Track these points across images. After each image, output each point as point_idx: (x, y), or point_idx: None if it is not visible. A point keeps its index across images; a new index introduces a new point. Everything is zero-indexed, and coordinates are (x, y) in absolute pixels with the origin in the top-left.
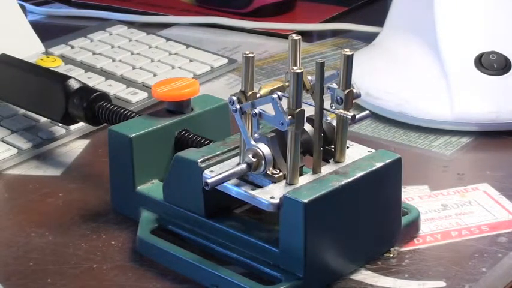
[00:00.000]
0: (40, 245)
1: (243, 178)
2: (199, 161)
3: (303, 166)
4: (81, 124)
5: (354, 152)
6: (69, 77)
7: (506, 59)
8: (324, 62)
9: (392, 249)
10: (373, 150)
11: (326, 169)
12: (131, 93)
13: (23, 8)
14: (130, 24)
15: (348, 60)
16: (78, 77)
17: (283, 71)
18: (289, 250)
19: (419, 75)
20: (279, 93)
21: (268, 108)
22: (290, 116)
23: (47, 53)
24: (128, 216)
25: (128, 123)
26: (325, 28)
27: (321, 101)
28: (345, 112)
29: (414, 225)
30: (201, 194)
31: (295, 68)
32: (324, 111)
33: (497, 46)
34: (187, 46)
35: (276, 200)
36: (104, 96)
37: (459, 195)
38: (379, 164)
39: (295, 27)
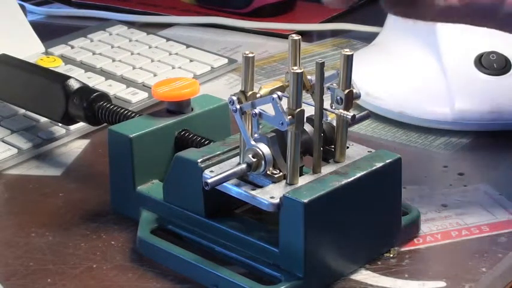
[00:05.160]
0: (40, 245)
1: (243, 178)
2: (199, 161)
3: (303, 166)
4: (81, 124)
5: (354, 152)
6: (69, 77)
7: (506, 59)
8: (323, 62)
9: (392, 249)
10: (373, 150)
11: (326, 169)
12: (131, 93)
13: (23, 8)
14: (130, 24)
15: (348, 60)
16: (78, 77)
17: (283, 71)
18: (289, 250)
19: (420, 76)
20: (279, 93)
21: (268, 108)
22: (290, 116)
23: (47, 53)
24: (128, 216)
25: (128, 123)
26: (325, 28)
27: (321, 101)
28: (345, 112)
29: (414, 225)
30: (201, 194)
31: (295, 68)
32: (324, 111)
33: (497, 46)
34: (187, 46)
35: (276, 200)
36: (104, 96)
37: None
38: (379, 164)
39: (295, 27)
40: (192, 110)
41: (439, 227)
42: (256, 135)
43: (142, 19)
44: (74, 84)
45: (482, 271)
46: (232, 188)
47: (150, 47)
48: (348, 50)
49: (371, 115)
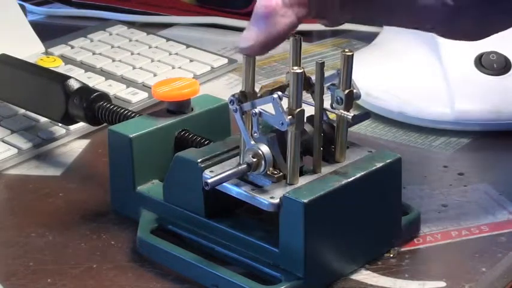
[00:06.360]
0: (40, 245)
1: (243, 178)
2: (199, 161)
3: (303, 166)
4: (81, 124)
5: (354, 152)
6: (69, 77)
7: (506, 59)
8: (323, 62)
9: (392, 249)
10: (373, 150)
11: (326, 169)
12: (131, 93)
13: (23, 8)
14: (130, 24)
15: (348, 61)
16: (78, 77)
17: (283, 71)
18: (289, 250)
19: (419, 75)
20: (279, 93)
21: (269, 108)
22: (290, 116)
23: (47, 53)
24: (128, 216)
25: (128, 123)
26: (325, 28)
27: (321, 101)
28: (345, 112)
29: (414, 225)
30: (201, 194)
31: (295, 68)
32: (324, 111)
33: (497, 46)
34: (187, 46)
35: (276, 200)
36: (104, 96)
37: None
38: (379, 164)
39: None
40: (192, 110)
41: (439, 227)
42: (256, 135)
43: (142, 19)
44: (74, 84)
45: (482, 271)
46: (232, 188)
47: (150, 47)
48: (348, 50)
49: (371, 115)
